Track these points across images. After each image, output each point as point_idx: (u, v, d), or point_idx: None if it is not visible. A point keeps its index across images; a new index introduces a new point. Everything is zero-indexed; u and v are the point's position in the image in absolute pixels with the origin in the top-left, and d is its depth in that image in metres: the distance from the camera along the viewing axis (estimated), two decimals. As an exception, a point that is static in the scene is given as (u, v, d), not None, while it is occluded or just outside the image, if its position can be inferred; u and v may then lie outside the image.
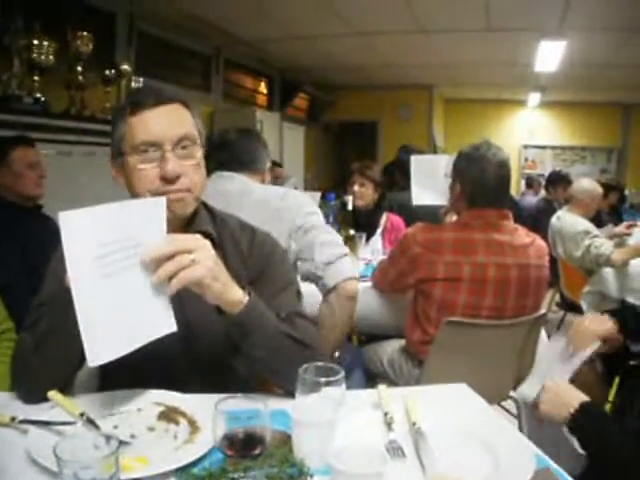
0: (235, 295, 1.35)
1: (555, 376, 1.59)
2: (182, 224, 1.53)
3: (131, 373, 1.41)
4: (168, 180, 1.44)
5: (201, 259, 1.26)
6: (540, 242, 2.60)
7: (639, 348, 1.71)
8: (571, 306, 5.30)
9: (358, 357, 2.83)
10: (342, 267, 2.35)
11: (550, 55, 7.41)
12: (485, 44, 7.35)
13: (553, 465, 1.19)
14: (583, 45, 7.01)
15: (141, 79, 5.49)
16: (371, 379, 2.73)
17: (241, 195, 2.40)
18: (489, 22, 6.36)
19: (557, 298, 5.85)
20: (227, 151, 2.55)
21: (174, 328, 1.29)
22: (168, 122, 1.47)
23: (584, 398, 1.42)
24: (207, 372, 1.50)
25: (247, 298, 1.37)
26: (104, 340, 1.19)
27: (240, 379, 1.46)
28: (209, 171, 1.68)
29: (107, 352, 1.20)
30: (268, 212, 2.31)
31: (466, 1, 5.70)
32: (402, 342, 2.68)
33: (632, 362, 1.93)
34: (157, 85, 1.61)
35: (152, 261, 1.23)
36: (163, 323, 1.28)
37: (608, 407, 1.60)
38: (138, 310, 1.24)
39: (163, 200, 1.29)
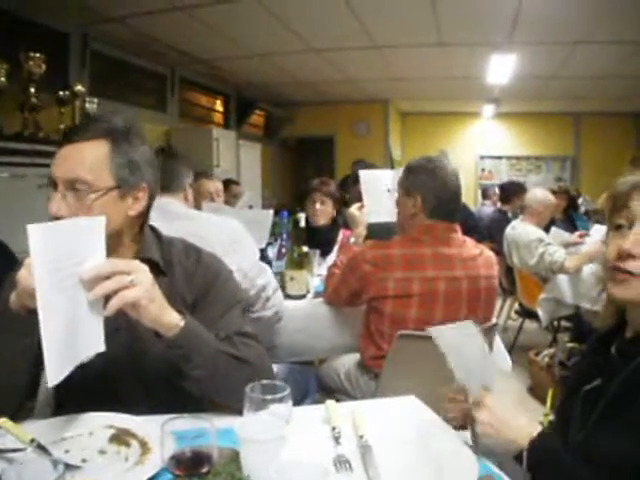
0: (171, 318, 1.38)
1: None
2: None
3: (83, 397, 1.42)
4: (55, 218, 1.45)
5: (139, 281, 1.29)
6: (488, 253, 2.64)
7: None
8: (529, 313, 5.39)
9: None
10: (268, 310, 2.50)
11: (501, 68, 7.58)
12: (438, 58, 7.45)
13: (496, 471, 1.23)
14: (532, 58, 7.18)
15: (95, 100, 5.47)
16: (329, 395, 2.74)
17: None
18: (440, 37, 6.47)
19: (516, 306, 5.96)
20: None
21: (102, 348, 1.31)
22: (71, 161, 1.48)
23: (525, 430, 1.32)
24: (158, 394, 1.51)
25: (183, 321, 1.39)
26: (59, 358, 1.21)
27: (191, 399, 1.48)
28: None
29: (60, 371, 1.21)
30: None
31: (417, 17, 5.79)
32: (358, 356, 2.70)
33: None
34: (106, 113, 1.61)
35: (90, 280, 1.25)
36: (94, 343, 1.31)
37: (546, 421, 1.59)
38: (77, 329, 1.26)
39: (103, 220, 1.31)
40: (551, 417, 1.52)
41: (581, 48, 6.65)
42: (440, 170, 2.51)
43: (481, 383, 1.40)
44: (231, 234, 2.53)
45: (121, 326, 1.53)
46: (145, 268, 1.35)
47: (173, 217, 2.40)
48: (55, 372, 1.20)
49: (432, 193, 2.51)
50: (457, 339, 1.41)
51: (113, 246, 1.49)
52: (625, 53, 6.82)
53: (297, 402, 2.30)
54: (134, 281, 1.28)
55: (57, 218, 1.44)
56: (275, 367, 2.52)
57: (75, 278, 1.25)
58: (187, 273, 1.66)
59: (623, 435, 1.15)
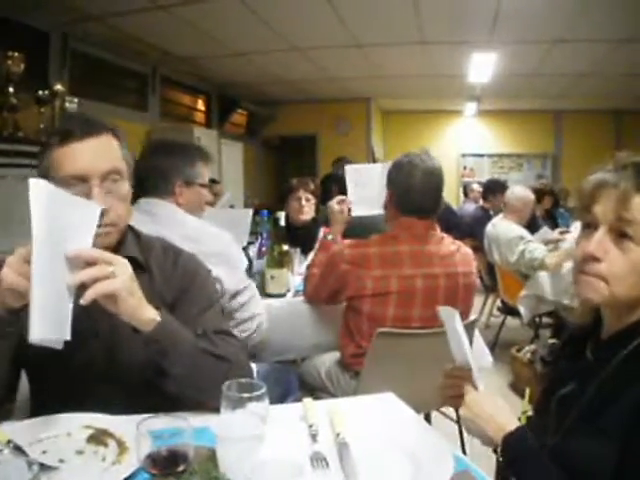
0: (148, 313, 1.38)
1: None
2: (109, 250, 1.54)
3: (62, 399, 1.42)
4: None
5: (120, 273, 1.30)
6: (466, 249, 2.65)
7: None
8: (511, 310, 5.42)
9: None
10: (250, 341, 2.45)
11: (482, 66, 7.64)
12: (420, 57, 7.49)
13: (472, 466, 1.24)
14: (512, 56, 7.24)
15: (76, 99, 5.43)
16: (310, 393, 2.74)
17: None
18: (422, 35, 6.50)
19: (498, 303, 5.99)
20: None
21: (68, 337, 1.27)
22: (96, 155, 1.49)
23: (504, 425, 1.32)
24: (138, 397, 1.50)
25: (160, 317, 1.40)
26: (43, 314, 1.20)
27: (171, 401, 1.48)
28: None
29: (43, 330, 1.20)
30: None
31: (399, 16, 5.82)
32: (338, 354, 2.71)
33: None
34: (89, 112, 1.62)
35: (75, 257, 1.25)
36: (62, 328, 1.27)
37: (523, 418, 1.59)
38: (55, 303, 1.25)
39: (99, 207, 1.32)
40: (530, 413, 1.52)
41: (561, 46, 6.71)
42: (411, 166, 2.50)
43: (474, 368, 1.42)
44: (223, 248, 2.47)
45: (102, 330, 1.53)
46: (126, 262, 1.36)
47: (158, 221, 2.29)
48: (38, 328, 1.18)
49: (399, 188, 2.53)
50: (451, 322, 1.44)
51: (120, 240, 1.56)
52: (604, 51, 6.88)
53: (279, 401, 2.31)
54: (115, 273, 1.29)
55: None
56: (256, 366, 2.53)
57: (61, 252, 1.25)
58: (166, 273, 1.66)
59: (596, 441, 1.15)
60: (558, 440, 1.27)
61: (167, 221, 2.30)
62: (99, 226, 1.44)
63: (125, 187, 1.55)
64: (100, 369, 1.53)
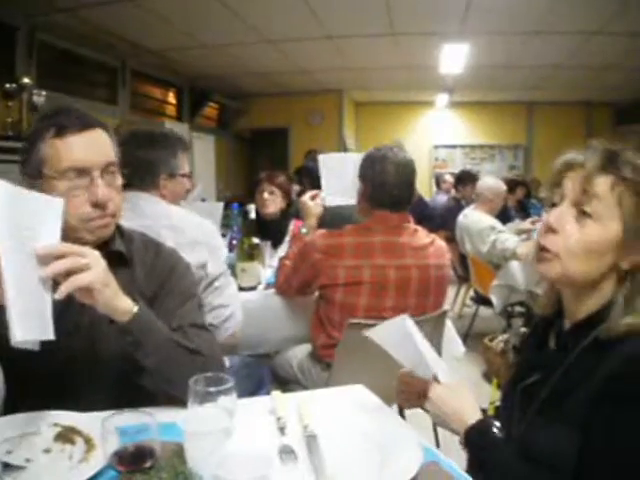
0: (124, 304, 1.38)
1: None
2: (96, 245, 1.52)
3: (41, 396, 1.40)
4: (99, 206, 1.48)
5: (93, 265, 1.28)
6: (439, 242, 2.65)
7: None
8: (483, 300, 5.45)
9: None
10: (224, 331, 2.40)
11: (454, 58, 7.67)
12: (391, 48, 7.50)
13: (441, 457, 1.24)
14: (484, 48, 7.27)
15: (44, 92, 5.36)
16: (283, 386, 2.74)
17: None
18: (392, 27, 6.51)
19: (471, 293, 6.03)
20: None
21: (51, 336, 1.25)
22: (96, 148, 1.50)
23: (467, 419, 1.34)
24: (118, 393, 1.48)
25: (136, 308, 1.40)
26: (23, 313, 1.18)
27: (147, 396, 1.46)
28: None
29: (26, 329, 1.18)
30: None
31: (369, 7, 5.82)
32: (310, 347, 2.71)
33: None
34: (73, 106, 1.60)
35: (45, 255, 1.23)
36: (43, 328, 1.24)
37: (491, 408, 1.60)
38: (30, 305, 1.22)
39: (61, 202, 1.29)
40: (497, 403, 1.54)
41: (533, 38, 6.76)
42: (384, 161, 2.50)
43: (430, 371, 1.43)
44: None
45: (82, 324, 1.52)
46: (98, 254, 1.34)
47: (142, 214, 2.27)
48: (20, 331, 1.16)
49: (373, 183, 2.52)
50: (394, 334, 1.44)
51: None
52: (576, 43, 6.95)
53: (250, 394, 2.31)
54: (89, 264, 1.27)
55: (102, 206, 1.48)
56: (228, 360, 2.52)
57: (29, 252, 1.22)
58: (146, 267, 1.66)
59: (559, 430, 1.17)
60: (522, 430, 1.28)
61: (153, 214, 2.29)
62: (102, 217, 1.48)
63: (120, 179, 1.57)
64: (83, 365, 1.51)
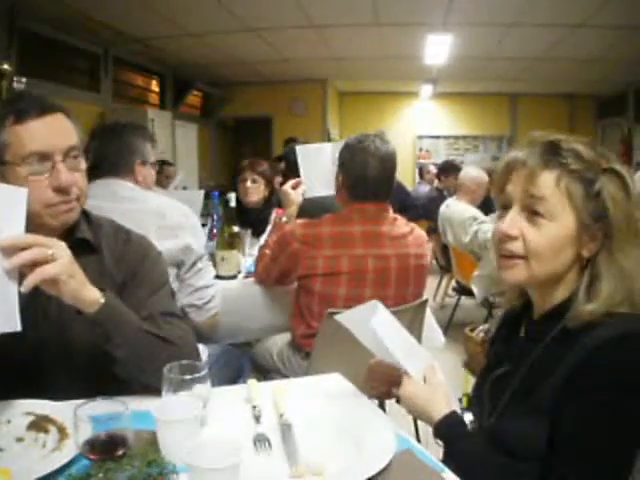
0: (92, 294, 1.36)
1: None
2: (62, 232, 1.52)
3: (10, 384, 1.38)
4: (62, 191, 1.46)
5: (59, 256, 1.27)
6: (419, 231, 2.65)
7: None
8: (465, 290, 5.47)
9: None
10: (206, 312, 2.48)
11: (438, 48, 7.68)
12: (375, 38, 7.49)
13: (415, 445, 1.24)
14: (468, 39, 7.29)
15: (24, 79, 5.30)
16: (263, 375, 2.74)
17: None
18: (377, 17, 6.49)
19: (453, 283, 6.05)
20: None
21: (18, 327, 1.24)
22: (57, 132, 1.48)
23: (436, 414, 1.35)
24: (88, 380, 1.47)
25: (104, 298, 1.38)
26: None
27: (123, 385, 1.45)
28: None
29: None
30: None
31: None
32: (290, 335, 2.70)
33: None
34: (38, 91, 1.59)
35: (10, 247, 1.22)
36: (9, 320, 1.23)
37: (465, 400, 1.61)
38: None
39: (25, 191, 1.27)
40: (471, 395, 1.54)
41: (516, 30, 6.76)
42: (364, 151, 2.47)
43: (402, 361, 1.42)
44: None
45: (51, 312, 1.50)
46: (63, 244, 1.32)
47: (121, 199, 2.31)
48: None
49: (351, 172, 2.51)
50: (364, 321, 1.43)
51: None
52: (560, 35, 6.97)
53: (229, 383, 2.30)
54: (54, 255, 1.26)
55: (65, 191, 1.46)
56: (208, 348, 2.51)
57: None
58: (116, 254, 1.64)
59: (529, 420, 1.18)
60: (492, 421, 1.29)
61: (132, 198, 2.33)
62: (66, 202, 1.46)
63: (84, 163, 1.55)
64: (53, 353, 1.50)
